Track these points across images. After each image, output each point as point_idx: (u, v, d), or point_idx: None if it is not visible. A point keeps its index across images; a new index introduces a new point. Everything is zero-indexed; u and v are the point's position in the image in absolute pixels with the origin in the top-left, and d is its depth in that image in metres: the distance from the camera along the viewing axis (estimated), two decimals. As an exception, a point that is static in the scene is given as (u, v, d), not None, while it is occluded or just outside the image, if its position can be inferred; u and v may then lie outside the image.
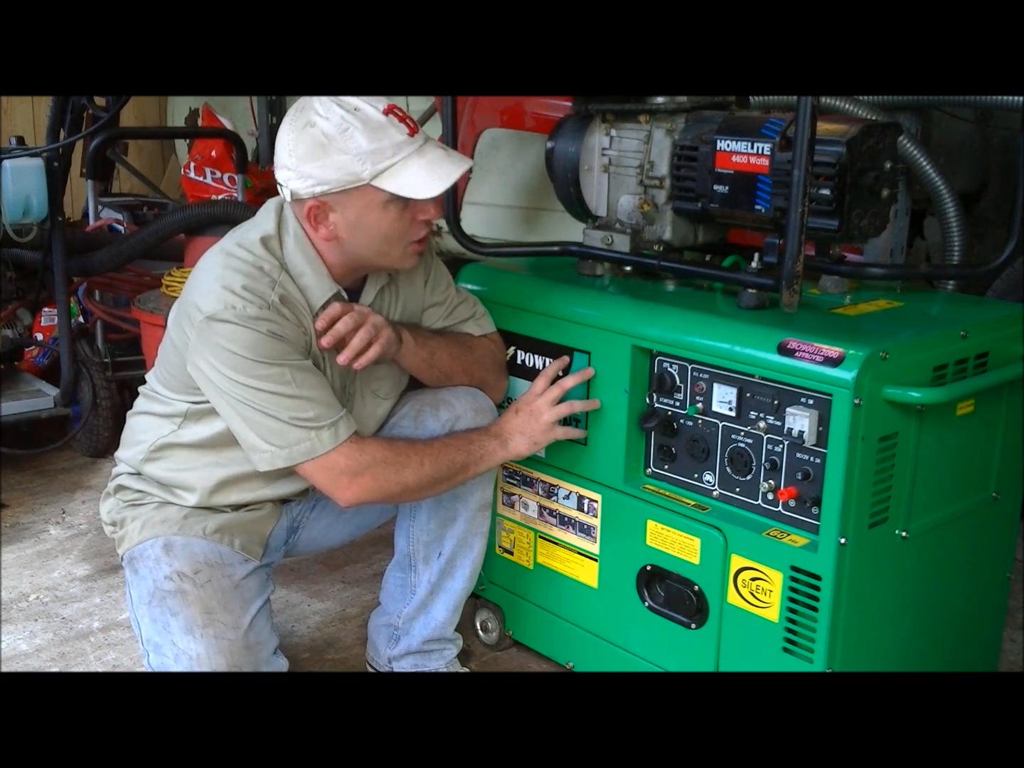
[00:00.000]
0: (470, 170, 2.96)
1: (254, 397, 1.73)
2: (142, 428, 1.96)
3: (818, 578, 1.68)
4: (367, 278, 1.90)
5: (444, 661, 2.15)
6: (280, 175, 1.75)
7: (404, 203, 1.74)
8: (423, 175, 1.71)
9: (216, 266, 1.77)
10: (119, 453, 2.02)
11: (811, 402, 1.67)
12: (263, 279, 1.75)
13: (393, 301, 1.95)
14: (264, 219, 1.84)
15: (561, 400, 1.95)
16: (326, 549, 2.25)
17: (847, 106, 2.38)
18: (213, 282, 1.74)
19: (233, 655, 1.76)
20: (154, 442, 1.92)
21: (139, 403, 2.00)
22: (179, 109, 5.19)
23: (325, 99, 1.70)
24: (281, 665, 1.86)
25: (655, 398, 1.91)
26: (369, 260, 1.82)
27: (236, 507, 1.92)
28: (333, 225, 1.76)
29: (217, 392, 1.76)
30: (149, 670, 1.82)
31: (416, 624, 2.10)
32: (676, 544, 1.87)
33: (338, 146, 1.68)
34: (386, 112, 1.71)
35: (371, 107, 1.71)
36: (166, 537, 1.87)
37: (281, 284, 1.76)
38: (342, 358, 1.80)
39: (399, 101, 3.59)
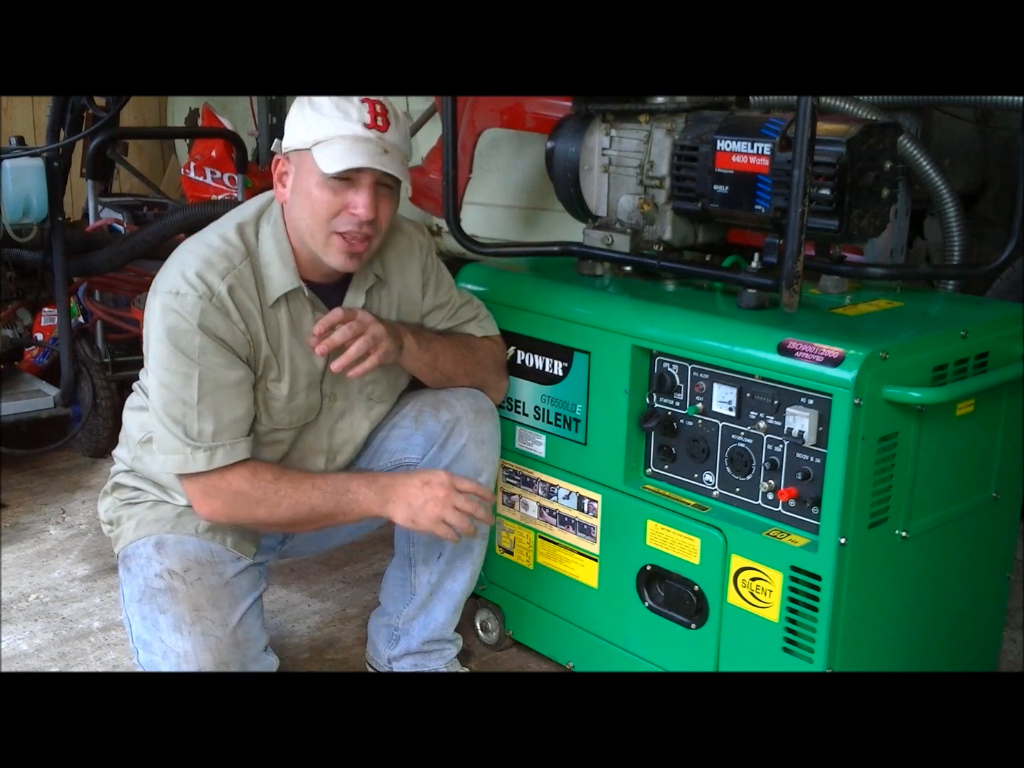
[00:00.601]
0: (470, 171, 2.98)
1: (160, 393, 1.76)
2: (133, 424, 1.97)
3: (818, 578, 1.68)
4: (351, 278, 1.89)
5: (444, 661, 2.15)
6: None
7: (340, 186, 1.73)
8: (342, 152, 1.71)
9: (182, 249, 1.81)
10: (116, 451, 2.03)
11: (811, 402, 1.67)
12: (220, 265, 1.75)
13: (386, 303, 1.94)
14: (248, 206, 1.86)
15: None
16: (328, 549, 2.24)
17: (847, 106, 2.38)
18: (173, 263, 1.78)
19: (220, 652, 1.76)
20: (142, 438, 1.92)
21: (131, 399, 2.01)
22: (179, 109, 5.19)
23: None
24: (270, 663, 1.86)
25: (655, 398, 1.91)
26: (303, 239, 1.79)
27: None
28: (286, 189, 1.79)
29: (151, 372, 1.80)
30: (139, 667, 1.82)
31: (416, 624, 2.10)
32: (676, 544, 1.87)
33: (312, 108, 1.73)
34: (364, 100, 1.73)
35: (358, 97, 1.74)
36: (159, 535, 1.87)
37: (238, 272, 1.76)
38: (336, 365, 1.79)
39: (399, 101, 3.60)
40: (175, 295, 1.72)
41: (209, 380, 1.74)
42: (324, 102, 1.73)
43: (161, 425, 1.77)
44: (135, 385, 2.01)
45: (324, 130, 1.71)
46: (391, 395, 2.00)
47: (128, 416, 1.99)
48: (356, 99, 1.73)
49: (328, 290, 1.87)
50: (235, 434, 1.78)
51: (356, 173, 1.72)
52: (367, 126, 1.72)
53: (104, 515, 2.00)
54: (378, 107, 1.74)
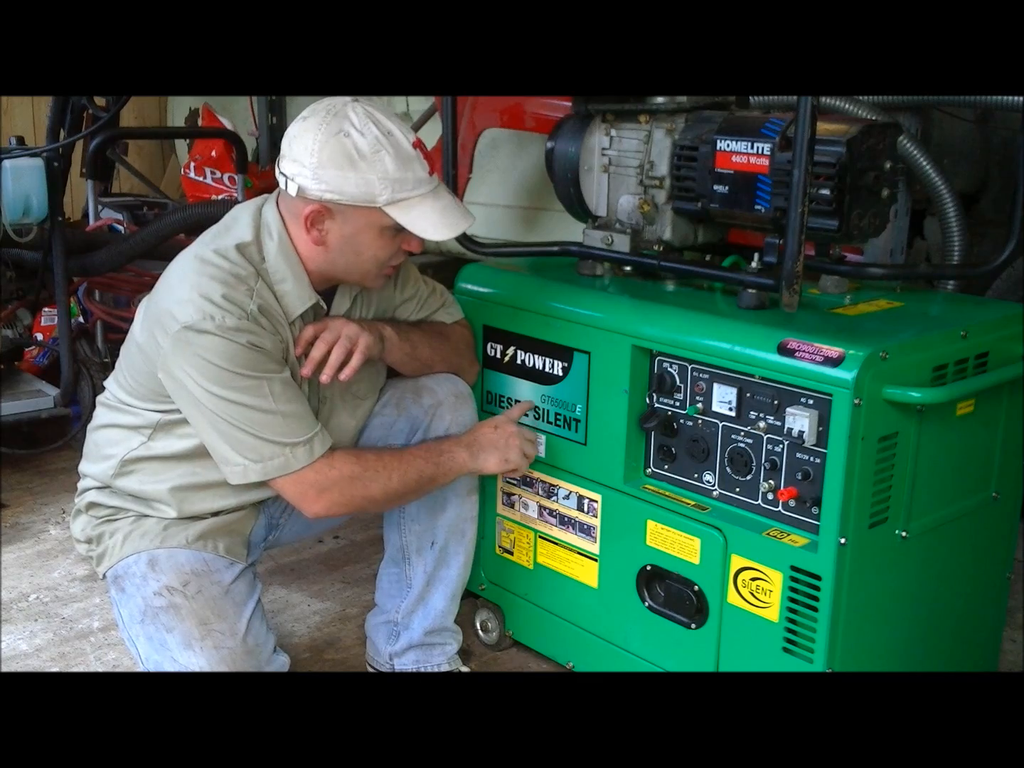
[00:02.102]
0: (470, 171, 2.99)
1: (230, 411, 1.72)
2: (108, 442, 1.92)
3: (818, 578, 1.68)
4: (338, 285, 1.90)
5: (446, 657, 2.15)
6: (289, 168, 1.72)
7: (397, 232, 1.76)
8: (435, 217, 1.74)
9: (192, 273, 1.74)
10: (84, 468, 1.99)
11: (811, 402, 1.67)
12: (241, 288, 1.73)
13: (366, 304, 1.96)
14: (238, 226, 1.81)
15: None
16: (309, 536, 2.23)
17: (847, 106, 2.38)
18: (190, 290, 1.72)
19: (235, 662, 1.76)
20: (124, 456, 1.89)
21: (101, 415, 1.96)
22: (179, 109, 5.19)
23: (360, 111, 1.70)
24: (282, 663, 1.86)
25: (655, 398, 1.91)
26: (344, 273, 1.83)
27: (215, 513, 1.90)
28: (326, 232, 1.75)
29: (191, 403, 1.74)
30: None
31: (416, 617, 2.10)
32: (676, 544, 1.87)
33: (367, 164, 1.68)
34: (415, 145, 1.73)
35: (403, 135, 1.72)
36: (149, 552, 1.86)
37: (258, 293, 1.75)
38: (324, 377, 1.80)
39: (399, 101, 3.59)
40: (211, 320, 1.68)
41: (277, 383, 1.74)
42: (383, 157, 1.68)
43: (249, 436, 1.73)
44: (103, 398, 1.97)
45: (396, 191, 1.70)
46: (374, 389, 2.01)
47: (102, 434, 1.94)
48: (406, 146, 1.71)
49: (322, 298, 1.87)
50: (315, 422, 1.80)
51: None
52: (429, 173, 1.75)
53: (80, 534, 1.97)
54: (422, 147, 1.75)
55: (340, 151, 1.68)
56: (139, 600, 1.82)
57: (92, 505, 1.95)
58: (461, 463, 1.91)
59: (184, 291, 1.73)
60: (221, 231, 1.82)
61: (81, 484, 2.00)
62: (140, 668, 1.83)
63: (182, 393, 1.75)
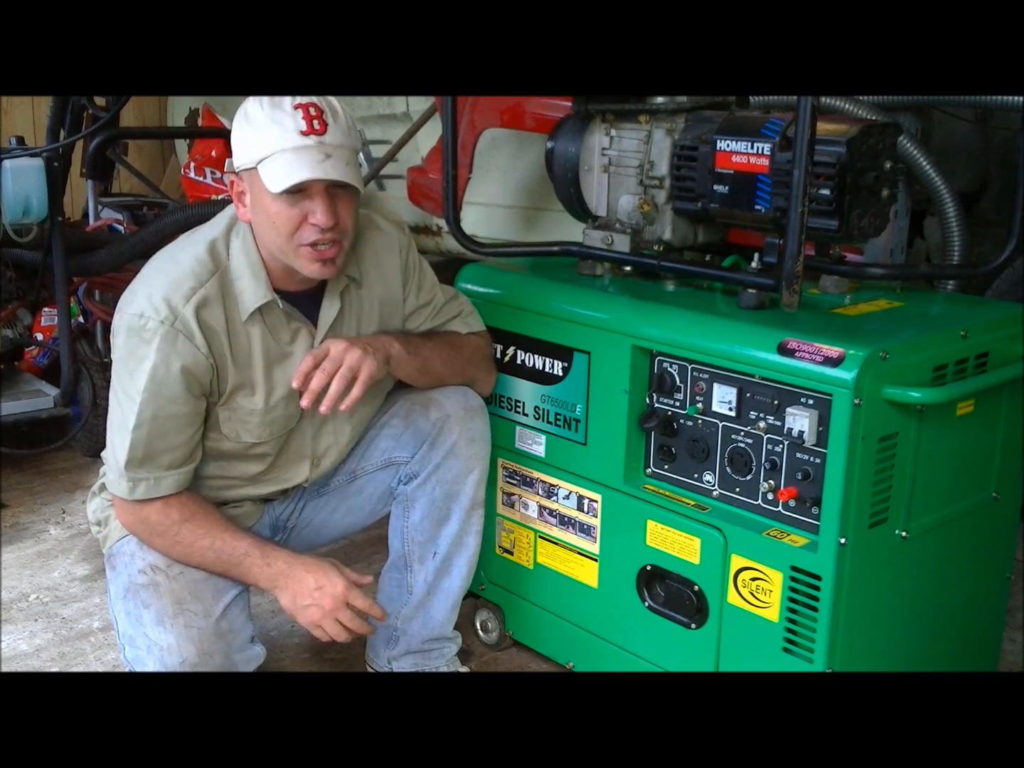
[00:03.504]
0: (470, 171, 2.98)
1: (113, 409, 1.79)
2: None
3: (818, 578, 1.68)
4: (326, 284, 1.86)
5: (444, 659, 2.15)
6: None
7: (295, 198, 1.70)
8: (282, 170, 1.67)
9: (151, 268, 1.81)
10: (104, 453, 2.01)
11: (811, 402, 1.67)
12: (185, 285, 1.74)
13: (367, 303, 1.92)
14: (219, 220, 1.84)
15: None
16: (322, 546, 2.23)
17: (847, 106, 2.38)
18: (140, 283, 1.78)
19: (203, 642, 1.75)
20: None
21: None
22: (179, 109, 5.18)
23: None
24: (256, 653, 1.85)
25: (655, 398, 1.91)
26: (274, 254, 1.77)
27: (216, 505, 1.90)
28: (247, 207, 1.77)
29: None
30: (126, 664, 1.81)
31: (414, 624, 2.10)
32: (676, 544, 1.87)
33: (246, 123, 1.71)
34: (296, 107, 1.68)
35: (289, 99, 1.68)
36: None
37: (205, 291, 1.74)
38: (323, 408, 1.76)
39: (399, 101, 3.58)
40: (139, 317, 1.73)
41: (162, 413, 1.75)
42: (258, 115, 1.68)
43: (109, 441, 1.82)
44: None
45: (265, 146, 1.68)
46: (374, 398, 1.99)
47: None
48: (288, 105, 1.68)
49: (304, 298, 1.85)
50: (163, 466, 1.78)
51: (306, 183, 1.68)
52: (304, 133, 1.67)
53: (92, 516, 2.01)
54: (312, 109, 1.68)
55: (239, 120, 1.73)
56: (125, 577, 1.85)
57: (105, 487, 1.97)
58: (254, 581, 1.82)
59: (138, 282, 1.80)
60: (202, 226, 1.85)
61: (101, 468, 2.02)
62: (117, 643, 1.85)
63: None
